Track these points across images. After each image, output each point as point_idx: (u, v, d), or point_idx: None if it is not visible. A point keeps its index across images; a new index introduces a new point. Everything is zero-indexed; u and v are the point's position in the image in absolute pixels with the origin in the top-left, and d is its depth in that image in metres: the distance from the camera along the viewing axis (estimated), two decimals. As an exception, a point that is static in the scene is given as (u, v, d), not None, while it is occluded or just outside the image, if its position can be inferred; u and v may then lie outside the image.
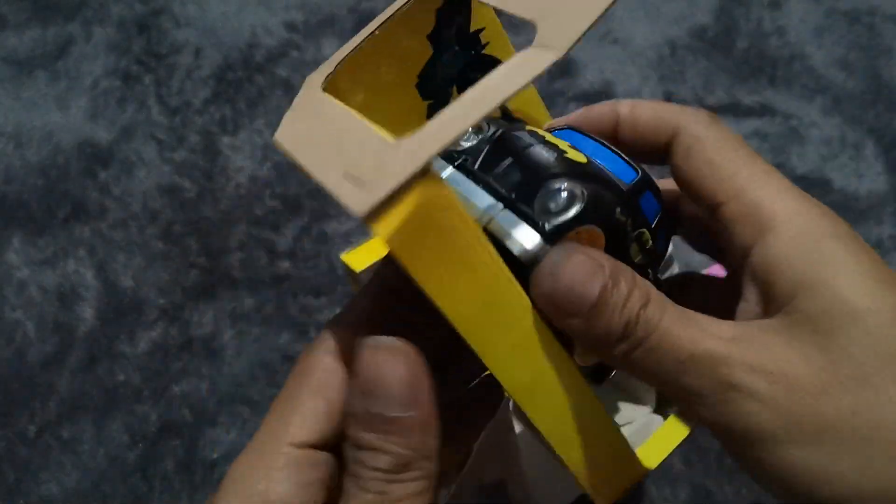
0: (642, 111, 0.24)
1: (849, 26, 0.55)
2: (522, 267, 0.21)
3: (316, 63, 0.25)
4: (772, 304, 0.20)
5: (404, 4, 0.26)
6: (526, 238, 0.21)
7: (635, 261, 0.23)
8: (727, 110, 0.53)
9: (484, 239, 0.20)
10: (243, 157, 0.52)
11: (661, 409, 0.38)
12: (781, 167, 0.52)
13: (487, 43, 0.28)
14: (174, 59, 0.54)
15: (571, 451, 0.22)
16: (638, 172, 0.23)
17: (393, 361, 0.19)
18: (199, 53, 0.54)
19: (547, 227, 0.21)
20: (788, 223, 0.21)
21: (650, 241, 0.23)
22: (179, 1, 0.55)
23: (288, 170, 0.51)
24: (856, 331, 0.19)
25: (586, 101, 0.53)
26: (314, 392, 0.21)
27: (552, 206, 0.21)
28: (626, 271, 0.21)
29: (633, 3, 0.55)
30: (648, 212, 0.23)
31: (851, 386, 0.18)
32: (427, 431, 0.19)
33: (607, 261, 0.21)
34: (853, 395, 0.18)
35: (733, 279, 0.22)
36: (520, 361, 0.21)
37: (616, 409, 0.37)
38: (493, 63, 0.29)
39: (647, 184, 0.23)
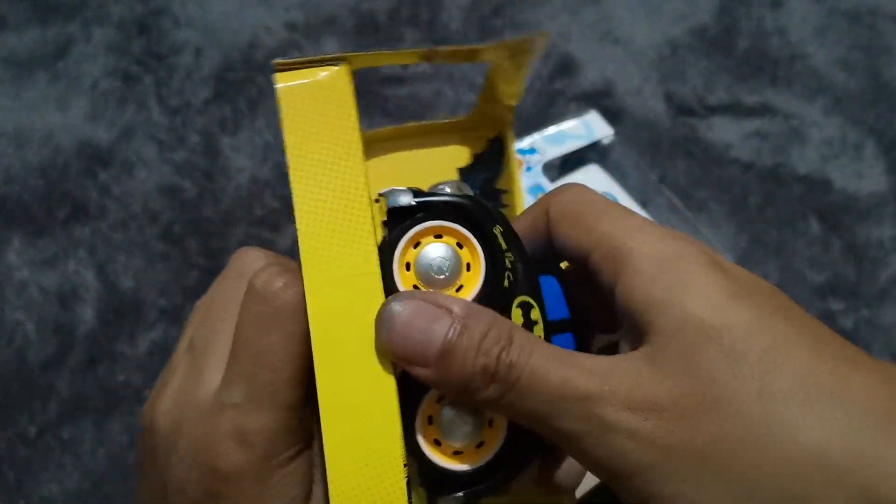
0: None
1: (850, 26, 0.55)
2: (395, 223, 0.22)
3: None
4: (638, 335, 0.20)
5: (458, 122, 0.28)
6: (402, 198, 0.22)
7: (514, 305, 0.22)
8: (728, 110, 0.53)
9: (358, 153, 0.21)
10: (244, 157, 0.52)
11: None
12: (782, 167, 0.52)
13: (507, 206, 0.29)
14: (174, 59, 0.54)
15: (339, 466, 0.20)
16: (570, 316, 0.23)
17: None
18: (200, 54, 0.54)
19: (424, 196, 0.22)
20: (643, 254, 0.21)
21: (539, 322, 0.22)
22: (179, 1, 0.55)
23: (288, 170, 0.51)
24: (712, 350, 0.19)
25: (587, 100, 0.53)
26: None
27: (437, 189, 0.23)
28: (482, 313, 0.20)
29: (633, 3, 0.55)
30: (550, 301, 0.23)
31: (715, 412, 0.18)
32: None
33: (460, 305, 0.20)
34: (716, 422, 0.18)
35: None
36: (337, 295, 0.21)
37: None
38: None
39: (568, 325, 0.23)
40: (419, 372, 0.20)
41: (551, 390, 0.19)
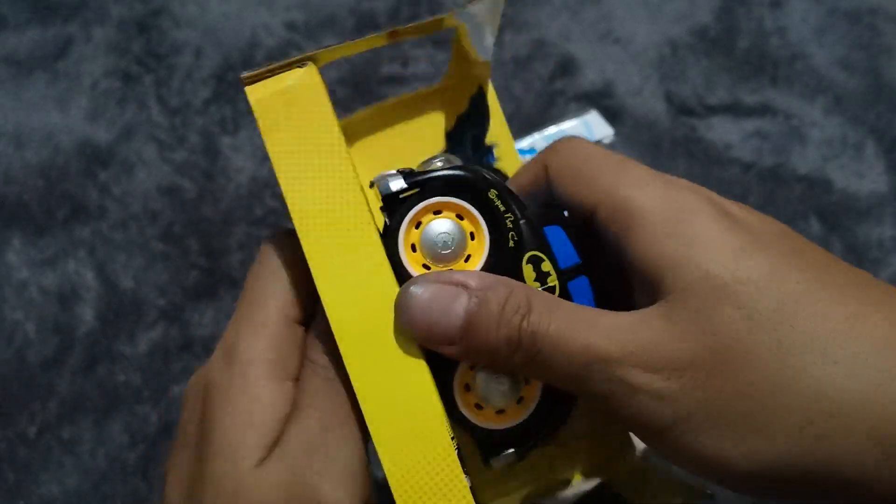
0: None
1: (850, 26, 0.55)
2: (391, 211, 0.22)
3: (316, 63, 0.25)
4: (651, 291, 0.21)
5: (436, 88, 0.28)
6: (394, 183, 0.22)
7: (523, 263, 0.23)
8: (728, 110, 0.53)
9: (342, 144, 0.21)
10: (244, 157, 0.52)
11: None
12: (782, 167, 0.52)
13: (499, 158, 0.29)
14: (174, 59, 0.54)
15: (392, 446, 0.21)
16: (580, 260, 0.24)
17: None
18: (200, 54, 0.54)
19: (414, 177, 0.22)
20: (650, 209, 0.21)
21: (552, 273, 0.23)
22: (179, 1, 0.55)
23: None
24: (728, 308, 0.19)
25: (587, 100, 0.53)
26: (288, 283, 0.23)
27: (427, 166, 0.23)
28: (498, 284, 0.21)
29: (633, 3, 0.55)
30: (559, 250, 0.23)
31: (733, 367, 0.19)
32: None
33: (475, 278, 0.21)
34: (734, 378, 0.19)
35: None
36: (352, 294, 0.21)
37: None
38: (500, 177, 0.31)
39: (581, 269, 0.24)
40: (446, 350, 0.21)
41: (574, 356, 0.20)
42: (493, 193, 0.22)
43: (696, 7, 0.55)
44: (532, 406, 0.23)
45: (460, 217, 0.22)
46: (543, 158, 0.24)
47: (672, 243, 0.20)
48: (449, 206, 0.22)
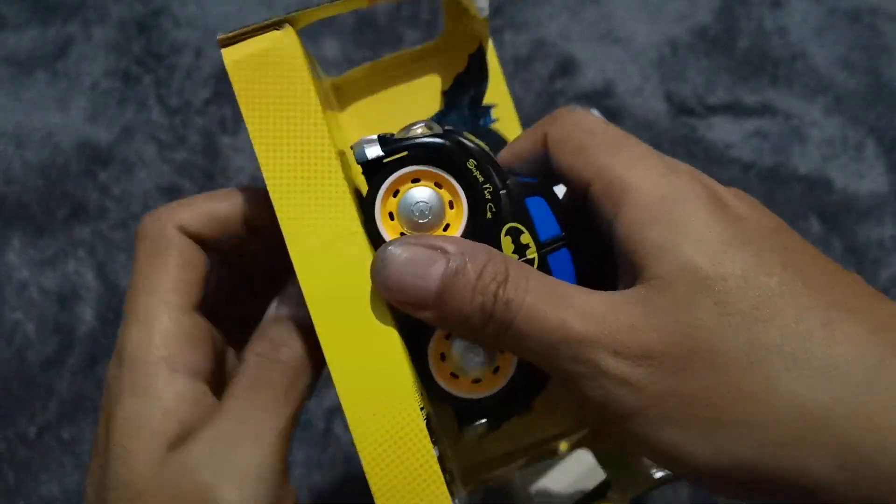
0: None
1: (850, 26, 0.55)
2: (369, 179, 0.22)
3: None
4: (633, 274, 0.20)
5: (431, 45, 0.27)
6: (370, 150, 0.21)
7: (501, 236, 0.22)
8: (728, 110, 0.53)
9: (317, 108, 0.21)
10: (244, 157, 0.52)
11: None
12: (782, 167, 0.52)
13: (496, 119, 0.29)
14: (174, 59, 0.54)
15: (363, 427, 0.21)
16: (562, 232, 0.23)
17: None
18: (200, 54, 0.54)
19: (392, 144, 0.21)
20: (643, 191, 0.20)
21: (531, 245, 0.22)
22: (179, 1, 0.55)
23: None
24: (705, 301, 0.19)
25: (587, 100, 0.53)
26: (183, 265, 0.23)
27: (407, 132, 0.22)
28: (477, 250, 0.20)
29: (633, 3, 0.55)
30: (540, 222, 0.23)
31: (704, 362, 0.19)
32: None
33: (454, 243, 0.20)
34: (704, 372, 0.19)
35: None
36: (325, 260, 0.21)
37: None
38: (497, 139, 0.30)
39: (562, 241, 0.23)
40: (420, 314, 0.20)
41: (547, 332, 0.19)
42: (471, 163, 0.22)
43: (696, 7, 0.55)
44: (508, 376, 0.23)
45: (439, 185, 0.22)
46: (543, 126, 0.24)
47: (658, 228, 0.20)
48: (427, 175, 0.22)
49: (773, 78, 0.54)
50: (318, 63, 0.27)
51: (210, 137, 0.52)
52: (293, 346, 0.23)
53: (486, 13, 0.26)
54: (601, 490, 0.36)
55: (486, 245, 0.21)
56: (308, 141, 0.21)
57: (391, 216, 0.22)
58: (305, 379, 0.23)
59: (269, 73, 0.21)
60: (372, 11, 0.55)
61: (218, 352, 0.24)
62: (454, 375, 0.23)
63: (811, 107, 0.53)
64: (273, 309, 0.24)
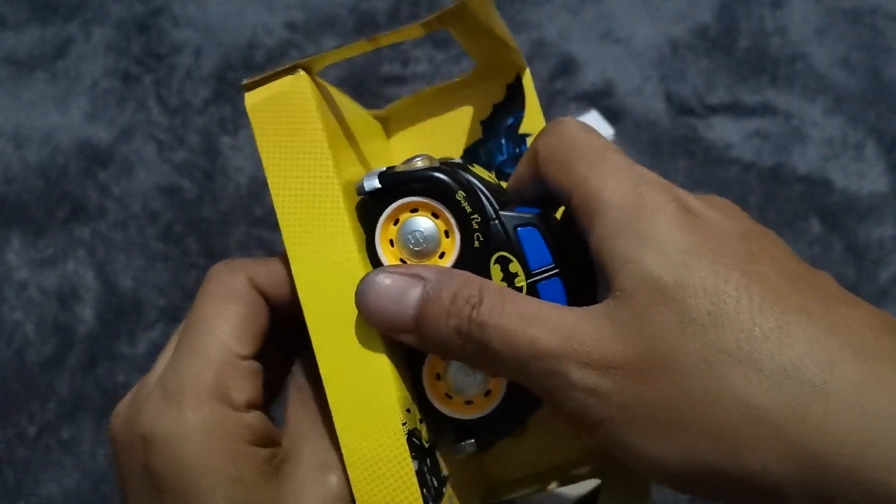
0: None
1: (850, 26, 0.55)
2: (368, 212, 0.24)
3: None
4: (606, 286, 0.21)
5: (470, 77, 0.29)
6: (369, 182, 0.23)
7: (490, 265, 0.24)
8: (728, 110, 0.53)
9: (324, 146, 0.23)
10: (243, 157, 0.52)
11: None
12: (783, 167, 0.52)
13: None
14: (174, 59, 0.54)
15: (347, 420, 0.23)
16: (553, 262, 0.24)
17: None
18: (199, 53, 0.54)
19: (389, 178, 0.23)
20: (613, 204, 0.21)
21: (520, 273, 0.24)
22: (179, 1, 0.55)
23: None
24: (665, 310, 0.19)
25: (587, 100, 0.53)
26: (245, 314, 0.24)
27: (408, 166, 0.24)
28: (452, 276, 0.22)
29: (634, 3, 0.55)
30: (531, 252, 0.24)
31: (664, 370, 0.19)
32: None
33: (432, 270, 0.22)
34: (664, 380, 0.19)
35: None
36: (323, 283, 0.23)
37: None
38: None
39: (553, 270, 0.24)
40: (404, 338, 0.22)
41: (520, 349, 0.20)
42: (460, 195, 0.23)
43: (696, 7, 0.55)
44: (498, 399, 0.24)
45: (435, 216, 0.24)
46: (535, 142, 0.24)
47: (624, 240, 0.20)
48: (423, 205, 0.24)
49: (774, 78, 0.54)
50: (352, 98, 0.28)
51: (210, 137, 0.52)
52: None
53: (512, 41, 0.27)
54: (595, 493, 0.36)
55: (464, 271, 0.22)
56: (315, 175, 0.23)
57: (391, 243, 0.24)
58: None
59: (281, 114, 0.23)
60: (371, 12, 0.55)
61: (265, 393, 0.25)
62: (448, 396, 0.24)
63: (811, 107, 0.53)
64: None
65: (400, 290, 0.21)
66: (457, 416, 0.24)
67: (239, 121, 0.53)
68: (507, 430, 0.25)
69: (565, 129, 0.23)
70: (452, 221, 0.23)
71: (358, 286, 0.22)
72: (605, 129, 0.48)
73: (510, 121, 0.30)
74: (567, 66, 0.54)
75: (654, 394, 0.19)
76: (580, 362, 0.20)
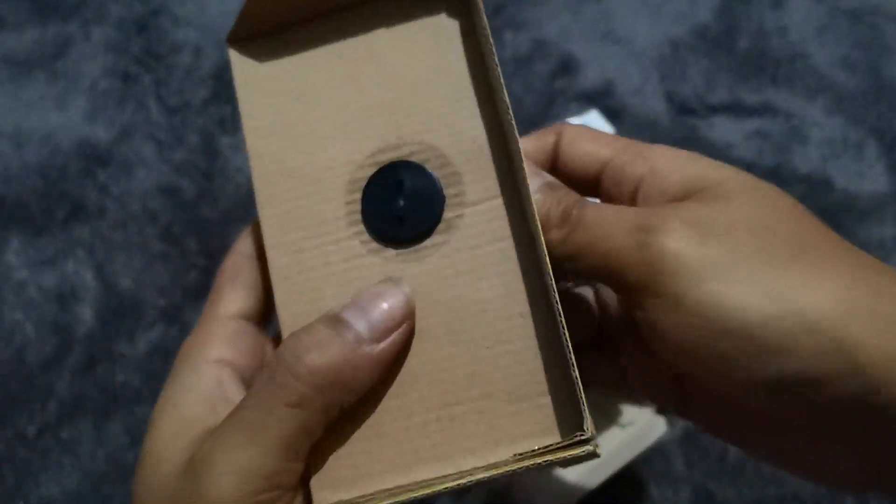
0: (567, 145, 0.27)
1: (851, 25, 0.55)
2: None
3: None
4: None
5: None
6: None
7: None
8: (729, 109, 0.53)
9: None
10: (243, 157, 0.52)
11: (664, 412, 0.37)
12: (783, 167, 0.52)
13: None
14: (173, 59, 0.54)
15: None
16: None
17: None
18: (199, 53, 0.54)
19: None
20: (662, 153, 0.24)
21: None
22: (179, 1, 0.55)
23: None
24: (746, 201, 0.23)
25: (587, 100, 0.53)
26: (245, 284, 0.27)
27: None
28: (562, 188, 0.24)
29: (634, 2, 0.55)
30: None
31: (754, 228, 0.21)
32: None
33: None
34: (756, 236, 0.21)
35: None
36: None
37: (618, 411, 0.37)
38: None
39: None
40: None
41: (608, 223, 0.22)
42: None
43: (696, 7, 0.55)
44: None
45: None
46: (558, 127, 0.26)
47: (694, 168, 0.24)
48: None
49: (774, 78, 0.54)
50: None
51: (209, 137, 0.52)
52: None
53: None
54: (595, 494, 0.36)
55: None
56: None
57: None
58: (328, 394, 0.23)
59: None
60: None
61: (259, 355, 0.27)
62: None
63: (812, 107, 0.53)
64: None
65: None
66: None
67: (238, 121, 0.53)
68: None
69: (593, 130, 0.26)
70: None
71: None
72: (606, 129, 0.48)
73: None
74: (567, 66, 0.54)
75: (743, 245, 0.21)
76: (663, 215, 0.22)
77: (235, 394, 0.25)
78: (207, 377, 0.25)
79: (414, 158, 0.25)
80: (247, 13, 0.25)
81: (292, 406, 0.21)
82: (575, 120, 0.47)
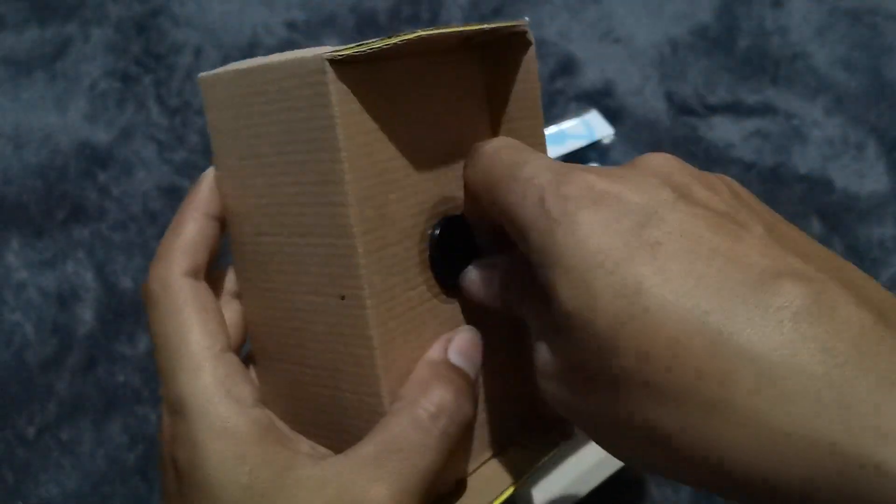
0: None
1: (851, 25, 0.55)
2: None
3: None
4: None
5: None
6: None
7: None
8: (729, 109, 0.53)
9: None
10: (243, 157, 0.52)
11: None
12: (783, 167, 0.52)
13: None
14: (174, 59, 0.54)
15: None
16: None
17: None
18: (199, 53, 0.54)
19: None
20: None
21: None
22: (179, 1, 0.55)
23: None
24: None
25: (587, 100, 0.53)
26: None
27: None
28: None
29: (634, 2, 0.55)
30: None
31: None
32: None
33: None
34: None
35: None
36: None
37: None
38: None
39: None
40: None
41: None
42: None
43: (696, 7, 0.55)
44: None
45: None
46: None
47: None
48: None
49: (774, 78, 0.54)
50: None
51: (209, 137, 0.52)
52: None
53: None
54: (595, 494, 0.36)
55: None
56: None
57: None
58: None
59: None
60: (372, 11, 0.55)
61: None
62: None
63: (812, 107, 0.53)
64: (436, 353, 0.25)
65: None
66: None
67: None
68: None
69: (506, 142, 0.24)
70: None
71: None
72: (606, 129, 0.48)
73: None
74: (567, 66, 0.54)
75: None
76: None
77: (246, 383, 0.24)
78: (226, 381, 0.24)
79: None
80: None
81: None
82: (575, 120, 0.47)
